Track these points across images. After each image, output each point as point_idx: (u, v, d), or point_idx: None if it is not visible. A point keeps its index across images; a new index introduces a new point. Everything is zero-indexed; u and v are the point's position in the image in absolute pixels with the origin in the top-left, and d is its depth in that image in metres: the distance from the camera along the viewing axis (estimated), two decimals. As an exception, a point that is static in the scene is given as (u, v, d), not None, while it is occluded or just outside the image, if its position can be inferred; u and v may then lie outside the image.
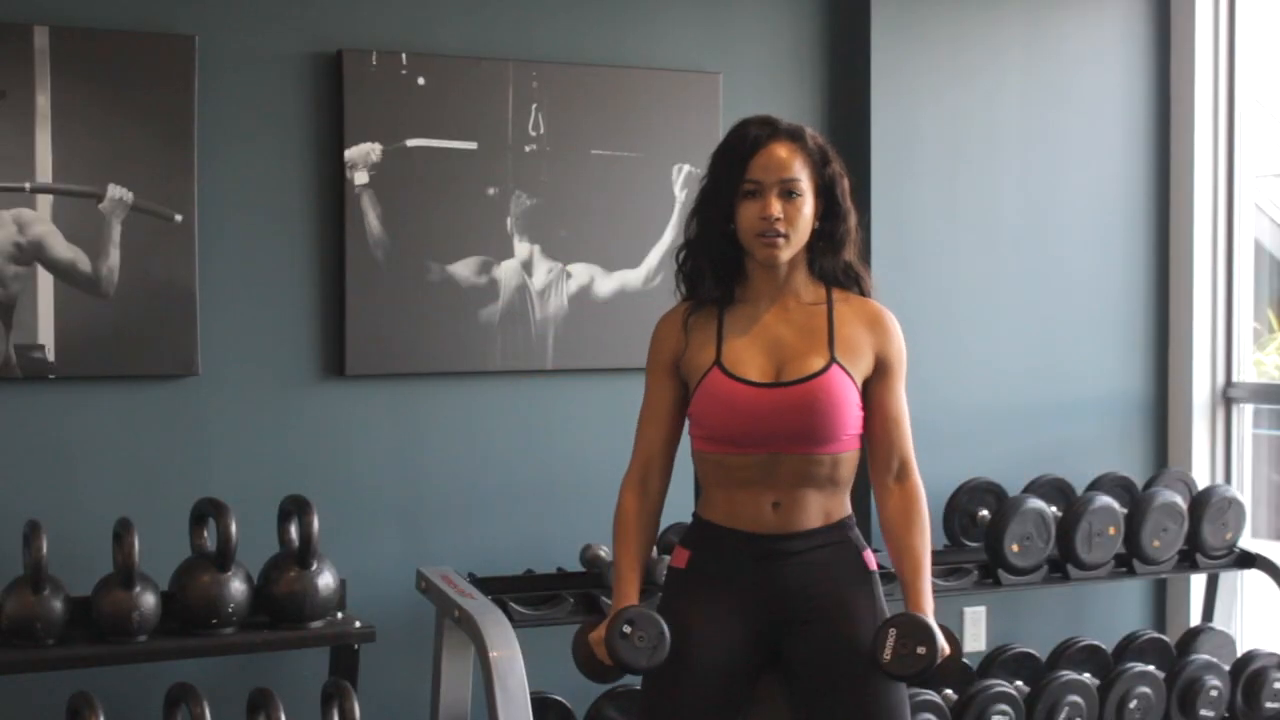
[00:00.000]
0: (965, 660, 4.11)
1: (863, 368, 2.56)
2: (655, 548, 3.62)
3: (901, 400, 2.62)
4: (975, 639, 4.37)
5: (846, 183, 2.60)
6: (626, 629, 2.50)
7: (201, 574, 3.21)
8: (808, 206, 2.53)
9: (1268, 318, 5.26)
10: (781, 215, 2.49)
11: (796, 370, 2.51)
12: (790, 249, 2.53)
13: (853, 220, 2.61)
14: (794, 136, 2.54)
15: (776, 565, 2.53)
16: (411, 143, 3.72)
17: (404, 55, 3.71)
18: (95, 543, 3.28)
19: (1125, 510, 4.09)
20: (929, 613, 2.53)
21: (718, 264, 2.58)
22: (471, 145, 3.79)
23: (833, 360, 2.52)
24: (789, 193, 2.50)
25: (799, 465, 2.51)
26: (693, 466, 2.70)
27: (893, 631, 2.47)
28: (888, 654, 2.46)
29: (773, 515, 2.53)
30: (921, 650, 2.45)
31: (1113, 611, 4.55)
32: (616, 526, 2.66)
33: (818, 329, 2.55)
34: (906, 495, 2.61)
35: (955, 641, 2.54)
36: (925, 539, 2.60)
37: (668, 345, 2.62)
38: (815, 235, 2.57)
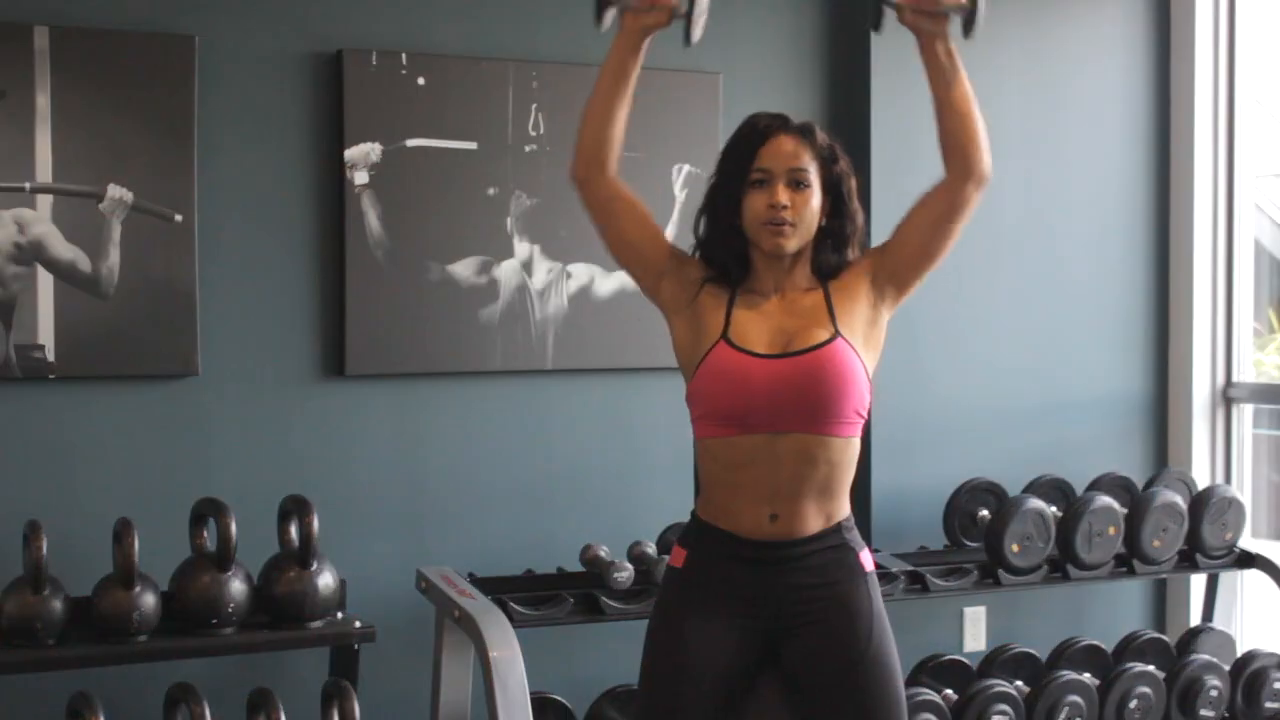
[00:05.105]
0: (965, 660, 4.11)
1: (863, 323, 2.54)
2: (655, 546, 3.63)
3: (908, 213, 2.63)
4: (975, 639, 4.37)
5: (854, 183, 2.60)
6: None
7: (201, 574, 3.21)
8: (815, 199, 2.52)
9: (1268, 318, 5.26)
10: (789, 204, 2.49)
11: (802, 342, 2.50)
12: (797, 240, 2.51)
13: (860, 220, 2.61)
14: (803, 132, 2.55)
15: (774, 567, 2.52)
16: (411, 143, 3.72)
17: (404, 55, 3.71)
18: (95, 543, 3.28)
19: (1125, 510, 4.09)
20: None
21: (728, 260, 2.56)
22: (471, 145, 3.79)
23: (837, 333, 2.51)
24: (797, 183, 2.50)
25: (800, 454, 2.48)
26: (693, 465, 2.69)
27: None
28: None
29: (770, 525, 2.51)
30: None
31: (1113, 611, 4.55)
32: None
33: (818, 308, 2.54)
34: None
35: None
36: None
37: (678, 252, 2.60)
38: (822, 233, 2.57)
